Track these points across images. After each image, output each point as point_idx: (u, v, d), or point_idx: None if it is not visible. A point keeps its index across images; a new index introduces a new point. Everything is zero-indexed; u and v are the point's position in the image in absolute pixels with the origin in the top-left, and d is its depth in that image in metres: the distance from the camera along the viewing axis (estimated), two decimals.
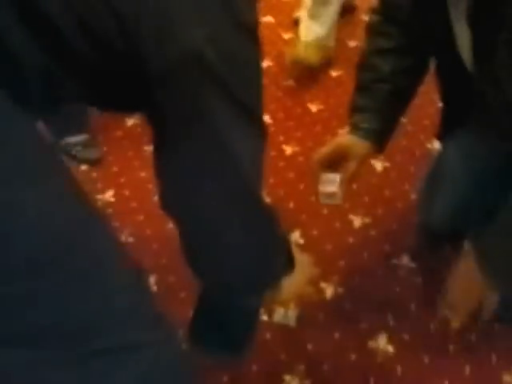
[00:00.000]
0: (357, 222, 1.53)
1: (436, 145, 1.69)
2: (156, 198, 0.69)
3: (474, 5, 0.80)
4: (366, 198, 1.60)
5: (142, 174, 1.68)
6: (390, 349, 1.21)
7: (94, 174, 1.72)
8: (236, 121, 0.62)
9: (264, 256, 0.77)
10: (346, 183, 1.11)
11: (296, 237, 1.48)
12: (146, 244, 1.46)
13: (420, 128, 1.81)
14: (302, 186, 1.64)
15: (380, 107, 1.11)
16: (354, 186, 1.56)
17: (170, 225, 1.26)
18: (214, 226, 0.68)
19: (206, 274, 0.77)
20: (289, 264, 0.89)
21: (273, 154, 1.75)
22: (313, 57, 1.99)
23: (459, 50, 0.94)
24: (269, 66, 2.11)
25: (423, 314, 1.27)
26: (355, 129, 1.13)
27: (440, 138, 1.27)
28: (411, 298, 1.31)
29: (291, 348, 1.21)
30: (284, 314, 1.26)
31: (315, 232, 1.50)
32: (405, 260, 1.41)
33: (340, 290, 1.34)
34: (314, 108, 1.94)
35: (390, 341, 1.22)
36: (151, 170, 0.66)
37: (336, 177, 1.09)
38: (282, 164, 1.73)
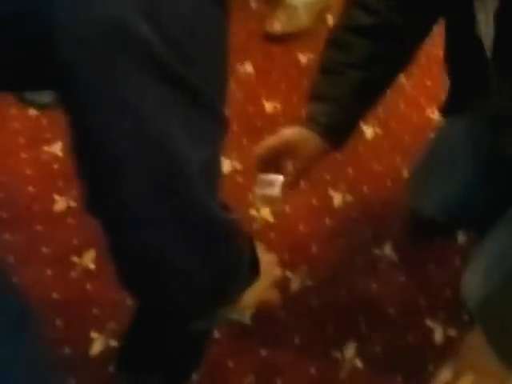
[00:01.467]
0: (337, 199, 1.32)
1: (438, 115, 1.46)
2: None
3: (502, 5, 0.69)
4: (350, 170, 1.38)
5: None
6: (358, 363, 1.02)
7: (44, 122, 1.50)
8: (177, 111, 0.52)
9: (218, 277, 0.65)
10: (289, 186, 0.92)
11: (265, 213, 1.27)
12: None
13: (421, 90, 1.57)
14: None
15: (346, 98, 0.90)
16: (338, 155, 1.35)
17: None
18: (149, 236, 0.57)
19: (143, 295, 0.66)
20: (252, 274, 0.77)
21: (250, 109, 1.52)
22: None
23: (479, 34, 0.79)
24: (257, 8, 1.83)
25: (402, 321, 1.09)
26: (311, 122, 0.92)
27: (444, 113, 1.06)
28: (390, 300, 1.12)
29: (241, 354, 1.03)
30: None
31: (288, 209, 1.29)
32: (387, 250, 1.21)
33: (308, 282, 1.15)
34: (303, 58, 1.69)
35: (359, 352, 1.04)
36: None
37: (278, 178, 0.91)
38: (259, 123, 1.50)
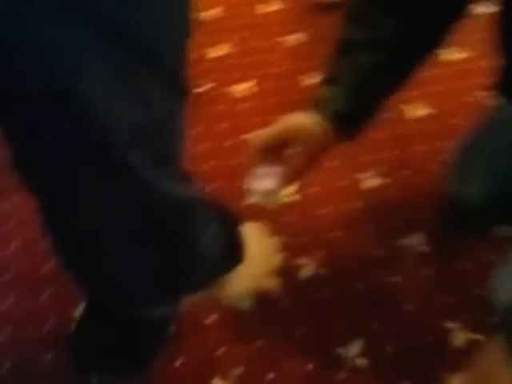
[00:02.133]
0: (369, 181, 1.20)
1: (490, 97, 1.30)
2: None
3: None
4: (388, 151, 1.26)
5: None
6: (362, 363, 0.91)
7: None
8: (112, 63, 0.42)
9: (166, 262, 0.58)
10: (288, 180, 0.83)
11: (286, 192, 1.17)
12: None
13: (474, 70, 1.41)
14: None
15: (363, 82, 0.79)
16: (376, 134, 1.23)
17: None
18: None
19: (83, 277, 0.61)
20: (233, 260, 0.73)
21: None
22: None
23: None
24: None
25: (420, 321, 0.96)
26: (318, 106, 0.81)
27: (496, 95, 0.93)
28: (410, 296, 1.00)
29: (233, 343, 0.94)
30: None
31: (311, 190, 1.19)
32: (416, 241, 1.08)
33: (321, 270, 1.04)
34: None
35: (366, 351, 0.92)
36: None
37: (276, 170, 0.82)
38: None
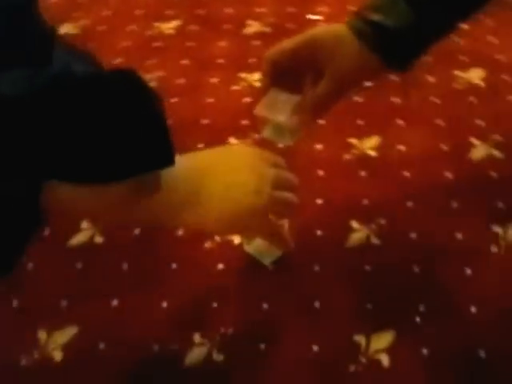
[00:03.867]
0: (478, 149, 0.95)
1: None
2: None
3: None
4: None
5: None
6: (383, 360, 0.69)
7: None
8: None
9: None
10: (307, 114, 0.65)
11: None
12: None
13: None
14: None
15: None
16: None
17: None
18: None
19: None
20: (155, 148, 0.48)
21: None
22: None
23: None
24: None
25: (479, 323, 0.71)
26: (358, 17, 0.63)
27: None
28: (476, 296, 0.74)
29: (237, 301, 0.77)
30: (257, 246, 0.81)
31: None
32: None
33: (375, 240, 0.83)
34: None
35: (392, 347, 0.70)
36: None
37: (292, 99, 0.65)
38: None
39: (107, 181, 0.46)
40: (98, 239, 0.83)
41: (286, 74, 0.67)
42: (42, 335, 0.72)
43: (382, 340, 0.71)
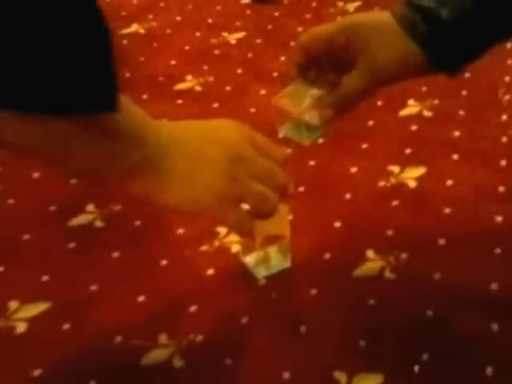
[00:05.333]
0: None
1: None
2: None
3: None
4: None
5: None
6: None
7: None
8: None
9: None
10: (330, 110, 0.58)
11: None
12: None
13: None
14: None
15: None
16: None
17: None
18: None
19: None
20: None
21: None
22: None
23: None
24: None
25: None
26: (407, 7, 0.55)
27: None
28: (503, 352, 0.63)
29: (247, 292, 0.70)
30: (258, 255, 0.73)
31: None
32: None
33: (388, 274, 0.73)
34: None
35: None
36: None
37: (314, 92, 0.58)
38: None
39: (41, 111, 0.42)
40: (99, 223, 0.80)
41: (317, 64, 0.60)
42: (13, 304, 0.70)
43: (367, 383, 0.61)
